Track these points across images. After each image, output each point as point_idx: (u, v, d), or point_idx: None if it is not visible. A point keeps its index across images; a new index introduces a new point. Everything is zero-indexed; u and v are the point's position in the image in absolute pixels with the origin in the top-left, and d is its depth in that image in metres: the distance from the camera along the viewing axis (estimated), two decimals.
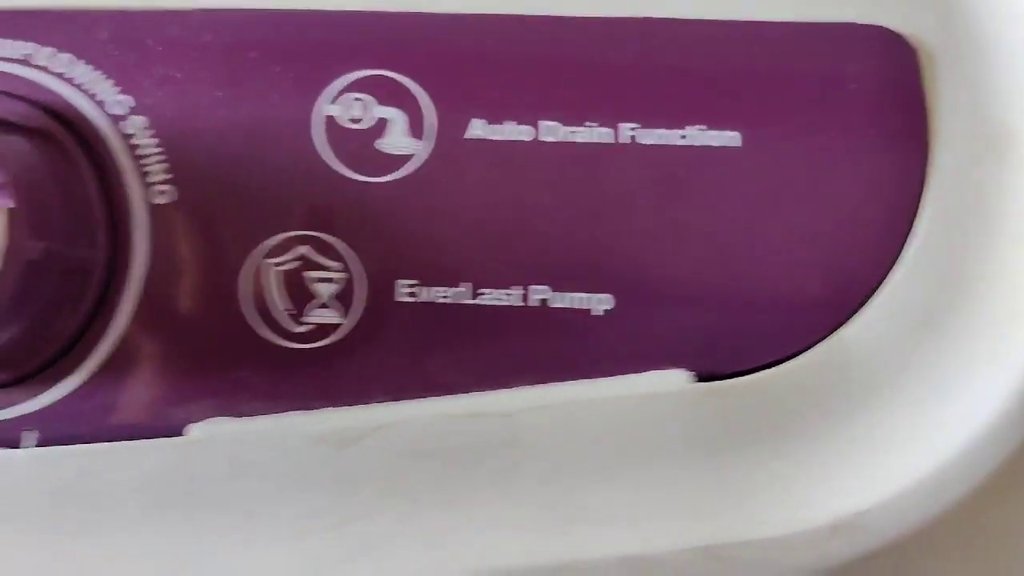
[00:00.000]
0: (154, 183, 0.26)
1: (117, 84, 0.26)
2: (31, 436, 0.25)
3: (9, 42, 0.27)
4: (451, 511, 0.25)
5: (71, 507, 0.25)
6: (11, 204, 0.23)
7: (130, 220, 0.26)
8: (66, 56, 0.26)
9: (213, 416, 0.26)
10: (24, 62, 0.26)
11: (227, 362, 0.26)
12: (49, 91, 0.26)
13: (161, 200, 0.26)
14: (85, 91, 0.26)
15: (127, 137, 0.26)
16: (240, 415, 0.26)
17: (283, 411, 0.26)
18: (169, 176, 0.26)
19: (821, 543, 0.24)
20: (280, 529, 0.25)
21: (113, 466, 0.25)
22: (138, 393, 0.26)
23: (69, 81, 0.26)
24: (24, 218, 0.23)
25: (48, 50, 0.26)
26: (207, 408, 0.26)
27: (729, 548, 0.24)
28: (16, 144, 0.24)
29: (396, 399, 0.26)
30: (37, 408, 0.26)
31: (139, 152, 0.26)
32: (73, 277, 0.25)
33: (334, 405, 0.26)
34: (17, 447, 0.25)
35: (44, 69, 0.26)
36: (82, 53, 0.26)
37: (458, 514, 0.25)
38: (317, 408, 0.26)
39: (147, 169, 0.26)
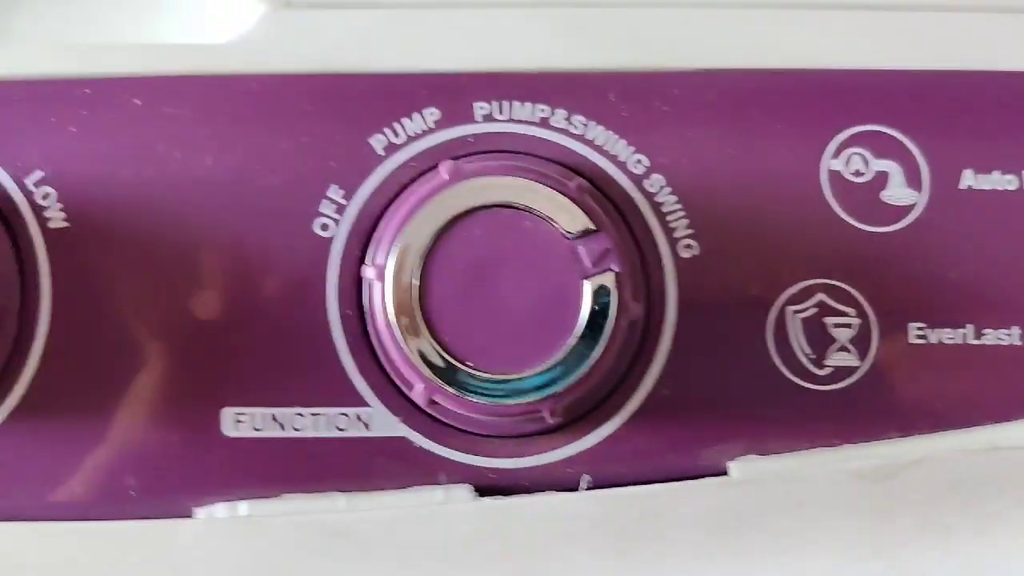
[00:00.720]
0: (679, 238, 0.28)
1: (631, 144, 0.28)
2: (587, 478, 0.27)
3: (528, 105, 0.28)
4: (982, 539, 0.27)
5: (636, 546, 0.27)
6: (618, 268, 0.24)
7: (662, 274, 0.28)
8: (580, 118, 0.28)
9: (742, 455, 0.27)
10: (543, 124, 0.28)
11: (755, 403, 0.28)
12: (574, 153, 0.28)
13: (687, 254, 0.28)
14: (605, 152, 0.28)
15: (650, 195, 0.28)
16: (767, 453, 0.27)
17: (806, 448, 0.28)
18: (691, 231, 0.28)
19: None
20: (824, 559, 0.27)
21: (668, 505, 0.27)
22: (673, 434, 0.27)
23: (589, 143, 0.28)
24: (626, 279, 0.25)
25: (562, 112, 0.28)
26: (737, 447, 0.28)
27: None
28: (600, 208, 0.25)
29: (907, 435, 0.28)
30: (581, 451, 0.27)
31: (663, 209, 0.28)
32: (631, 328, 0.27)
33: (852, 443, 0.28)
34: (574, 489, 0.27)
35: (563, 131, 0.28)
36: (595, 114, 0.28)
37: (991, 542, 0.27)
38: (838, 445, 0.28)
39: (672, 225, 0.28)
